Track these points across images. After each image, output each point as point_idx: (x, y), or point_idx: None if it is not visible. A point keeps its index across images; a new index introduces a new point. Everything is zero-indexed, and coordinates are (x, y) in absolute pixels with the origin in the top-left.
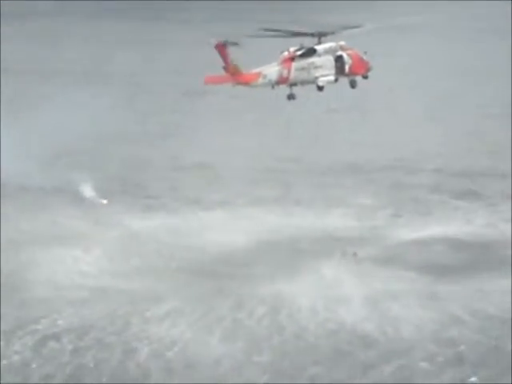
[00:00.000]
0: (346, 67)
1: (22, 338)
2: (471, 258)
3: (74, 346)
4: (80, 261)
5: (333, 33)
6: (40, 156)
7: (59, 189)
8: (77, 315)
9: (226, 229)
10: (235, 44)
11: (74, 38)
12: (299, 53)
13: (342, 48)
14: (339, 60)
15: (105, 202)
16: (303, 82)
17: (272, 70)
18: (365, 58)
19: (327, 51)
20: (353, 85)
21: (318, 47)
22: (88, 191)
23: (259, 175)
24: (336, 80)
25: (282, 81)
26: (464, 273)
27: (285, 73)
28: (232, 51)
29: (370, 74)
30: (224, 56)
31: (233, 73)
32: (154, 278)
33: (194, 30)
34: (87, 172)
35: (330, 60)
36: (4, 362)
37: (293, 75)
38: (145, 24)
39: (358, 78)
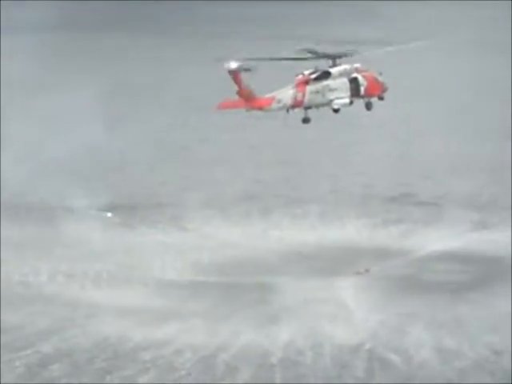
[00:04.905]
0: (361, 89)
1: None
2: (489, 274)
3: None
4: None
5: (346, 55)
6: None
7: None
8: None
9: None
10: (248, 70)
11: (84, 52)
12: (314, 76)
13: (357, 70)
14: (354, 82)
15: (109, 215)
16: (318, 105)
17: (286, 94)
18: (380, 78)
19: (342, 74)
20: (368, 107)
21: (332, 70)
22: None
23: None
24: (351, 103)
25: (296, 104)
26: (482, 290)
27: (299, 96)
28: (246, 75)
29: (385, 94)
30: (237, 81)
31: (246, 98)
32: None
33: (209, 46)
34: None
35: (344, 82)
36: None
37: (307, 98)
38: (157, 39)
39: (374, 100)
